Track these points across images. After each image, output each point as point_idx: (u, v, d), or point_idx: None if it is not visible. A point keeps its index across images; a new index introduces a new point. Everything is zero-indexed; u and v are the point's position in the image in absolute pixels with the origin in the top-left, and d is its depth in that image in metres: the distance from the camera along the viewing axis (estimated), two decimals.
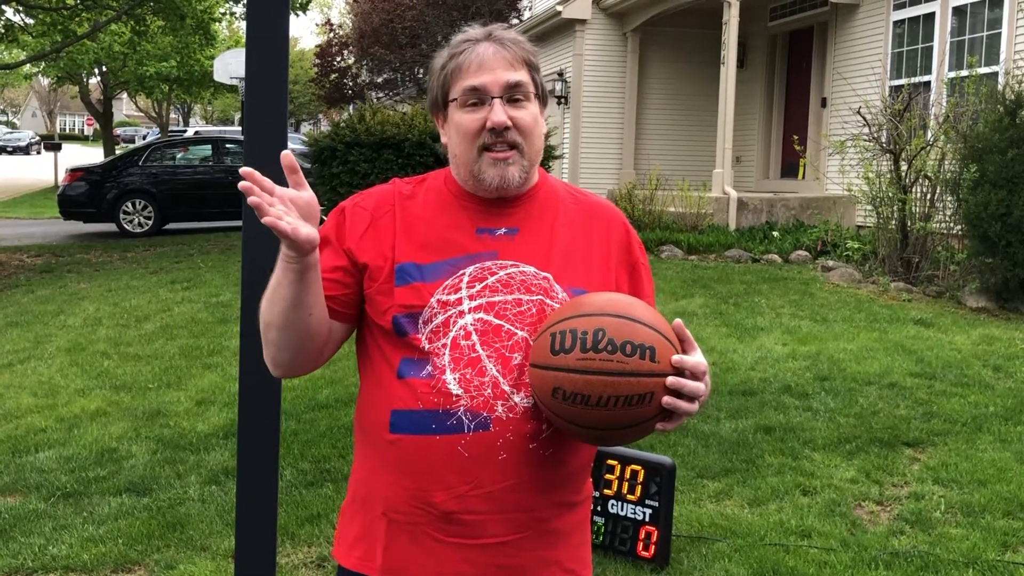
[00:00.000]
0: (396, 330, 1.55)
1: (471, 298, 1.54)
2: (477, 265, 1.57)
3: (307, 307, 1.50)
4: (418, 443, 1.51)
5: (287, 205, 1.41)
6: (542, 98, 1.64)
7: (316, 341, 1.57)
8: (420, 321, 1.54)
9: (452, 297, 1.54)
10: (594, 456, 1.66)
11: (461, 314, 1.53)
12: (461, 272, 1.56)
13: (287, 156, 1.45)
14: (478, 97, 1.57)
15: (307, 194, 1.45)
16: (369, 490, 1.60)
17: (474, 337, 1.53)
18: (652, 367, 1.41)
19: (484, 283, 1.56)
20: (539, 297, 1.56)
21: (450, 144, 1.63)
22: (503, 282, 1.56)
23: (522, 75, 1.58)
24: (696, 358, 1.45)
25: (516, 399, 1.51)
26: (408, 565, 1.55)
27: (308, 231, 1.42)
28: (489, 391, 1.50)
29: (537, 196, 1.66)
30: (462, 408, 1.50)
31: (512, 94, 1.57)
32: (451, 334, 1.53)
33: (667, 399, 1.41)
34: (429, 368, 1.52)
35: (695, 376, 1.44)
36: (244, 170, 1.40)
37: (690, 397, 1.43)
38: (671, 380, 1.41)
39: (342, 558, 1.63)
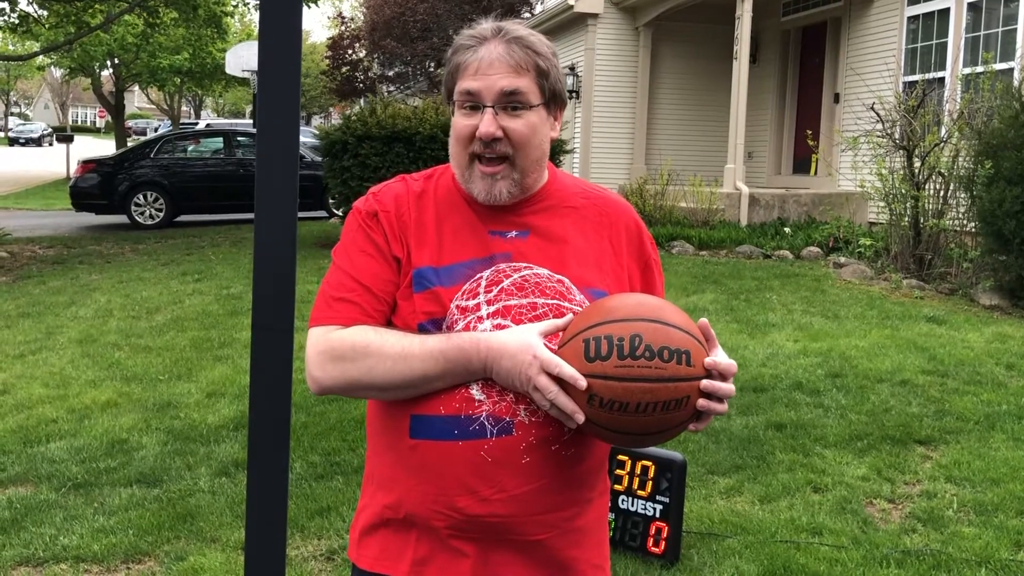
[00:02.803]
0: None
1: (489, 303, 1.51)
2: (493, 268, 1.54)
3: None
4: (440, 448, 1.49)
5: None
6: (553, 102, 1.59)
7: None
8: (444, 327, 1.51)
9: (471, 303, 1.52)
10: (609, 451, 1.65)
11: (480, 319, 1.50)
12: (479, 276, 1.53)
13: None
14: (473, 102, 1.53)
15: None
16: (388, 495, 1.56)
17: None
18: (688, 371, 1.40)
19: (500, 286, 1.53)
20: (555, 301, 1.53)
21: (450, 140, 1.60)
22: (517, 285, 1.53)
23: (523, 82, 1.53)
24: (726, 359, 1.44)
25: None
26: (432, 569, 1.52)
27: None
28: (511, 395, 1.48)
29: (546, 196, 1.62)
30: (484, 413, 1.47)
31: (508, 102, 1.52)
32: None
33: (702, 402, 1.41)
34: None
35: (723, 377, 1.43)
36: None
37: (721, 398, 1.43)
38: (705, 384, 1.41)
39: (363, 562, 1.59)
